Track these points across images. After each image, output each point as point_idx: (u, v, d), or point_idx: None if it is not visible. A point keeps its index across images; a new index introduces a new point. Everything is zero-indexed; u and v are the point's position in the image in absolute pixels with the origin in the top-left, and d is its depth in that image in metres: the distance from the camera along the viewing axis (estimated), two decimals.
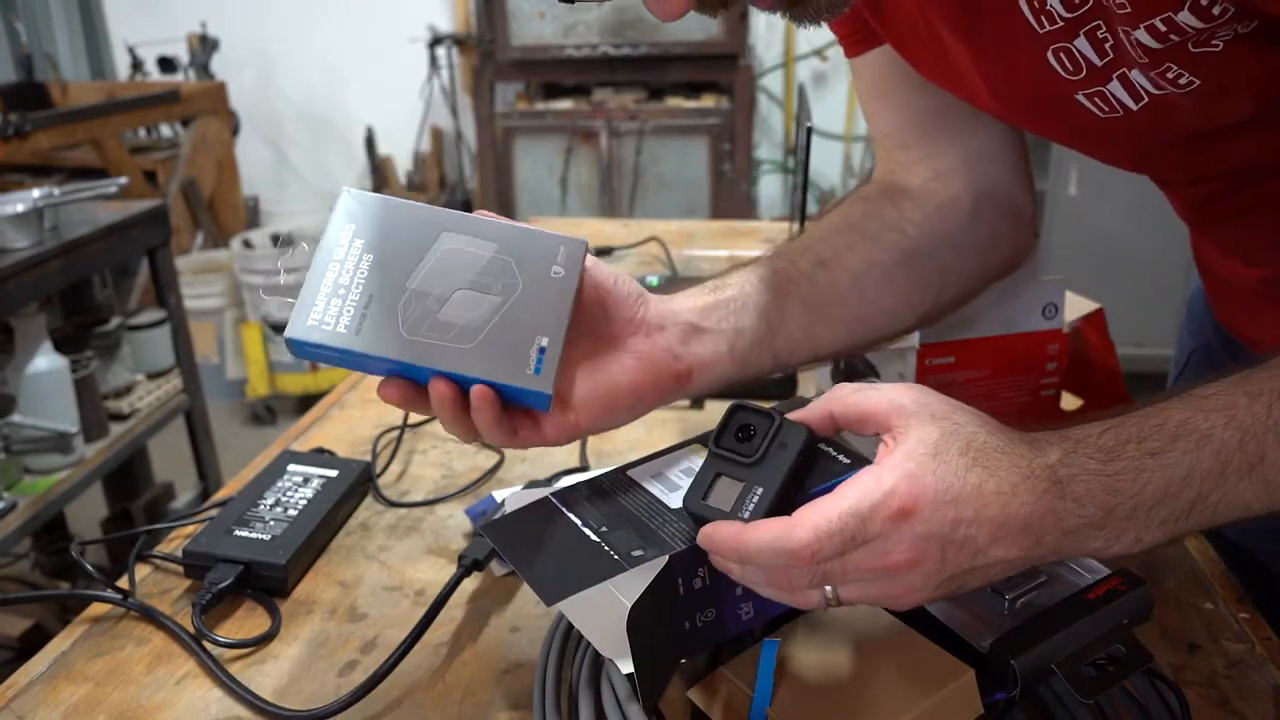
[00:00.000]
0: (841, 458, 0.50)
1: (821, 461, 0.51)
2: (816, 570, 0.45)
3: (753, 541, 0.46)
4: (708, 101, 3.37)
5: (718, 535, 0.47)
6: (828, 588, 0.46)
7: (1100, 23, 0.51)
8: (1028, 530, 0.45)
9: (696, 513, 0.50)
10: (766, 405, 0.51)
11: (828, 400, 0.50)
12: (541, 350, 0.50)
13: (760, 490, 0.49)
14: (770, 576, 0.47)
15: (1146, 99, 0.53)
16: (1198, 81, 0.50)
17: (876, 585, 0.46)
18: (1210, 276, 0.76)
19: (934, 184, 0.69)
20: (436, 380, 0.50)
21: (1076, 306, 0.84)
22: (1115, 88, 0.54)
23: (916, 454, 0.45)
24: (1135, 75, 0.52)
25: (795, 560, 0.45)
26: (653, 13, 0.47)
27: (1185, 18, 0.46)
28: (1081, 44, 0.52)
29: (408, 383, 0.51)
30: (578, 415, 0.54)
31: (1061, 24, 0.52)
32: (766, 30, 3.64)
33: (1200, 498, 0.44)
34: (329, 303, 0.49)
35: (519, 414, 0.53)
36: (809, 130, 0.94)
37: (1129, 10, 0.48)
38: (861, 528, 0.44)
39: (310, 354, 0.51)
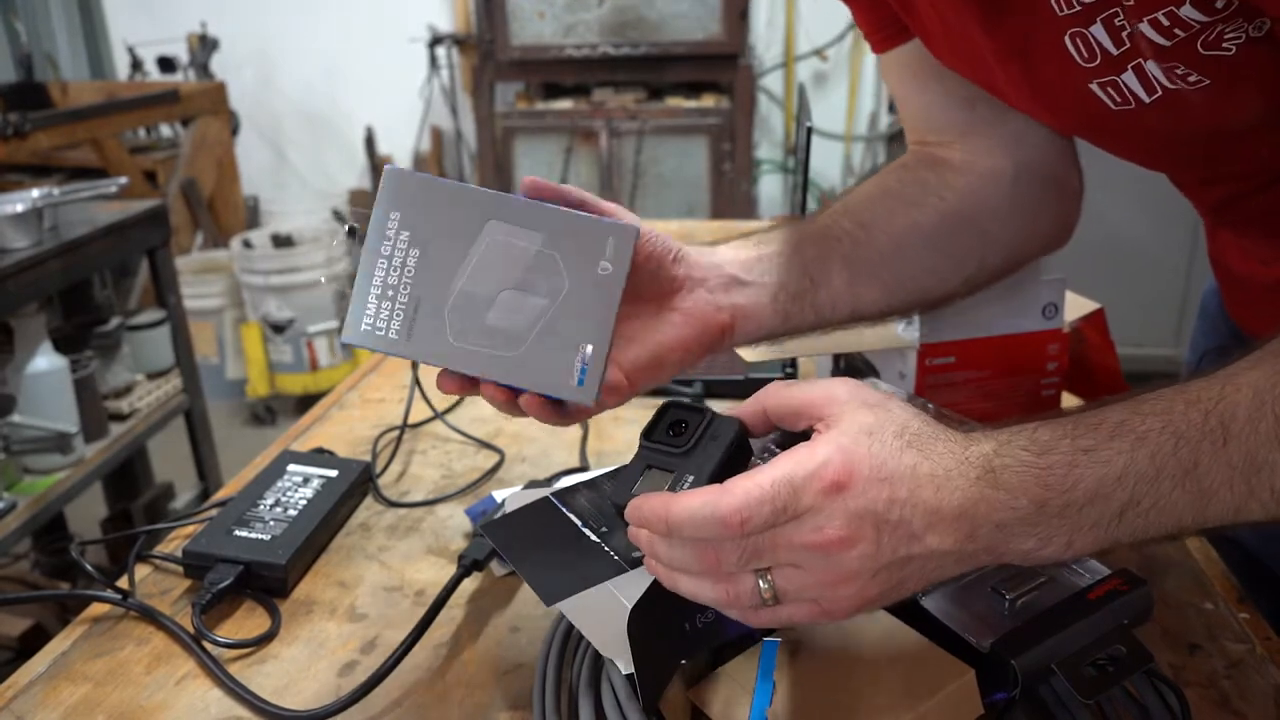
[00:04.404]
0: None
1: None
2: (746, 544, 0.43)
3: (680, 509, 0.44)
4: (708, 101, 3.37)
5: (645, 506, 0.45)
6: (762, 583, 0.44)
7: (1117, 10, 0.51)
8: (961, 518, 0.43)
9: (623, 504, 0.48)
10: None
11: (760, 396, 0.49)
12: (585, 357, 0.50)
13: (690, 479, 0.47)
14: (699, 553, 0.44)
15: (1160, 92, 0.53)
16: (1208, 81, 0.50)
17: (812, 570, 0.43)
18: (1226, 276, 0.76)
19: (974, 157, 0.69)
20: (486, 385, 0.51)
21: (1077, 306, 0.84)
22: (1129, 78, 0.53)
23: (851, 432, 0.44)
24: (1150, 66, 0.52)
25: (724, 528, 0.43)
26: None
27: (1188, 11, 0.46)
28: (1098, 30, 0.52)
29: (463, 375, 0.52)
30: (629, 379, 0.56)
31: (1079, 9, 0.52)
32: (766, 30, 3.64)
33: (1132, 502, 0.43)
34: (379, 306, 0.50)
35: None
36: (809, 130, 0.94)
37: (1133, 2, 0.48)
38: (794, 497, 0.42)
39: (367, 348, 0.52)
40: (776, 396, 0.48)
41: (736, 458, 0.48)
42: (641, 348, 0.56)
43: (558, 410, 0.53)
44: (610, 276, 0.50)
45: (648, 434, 0.50)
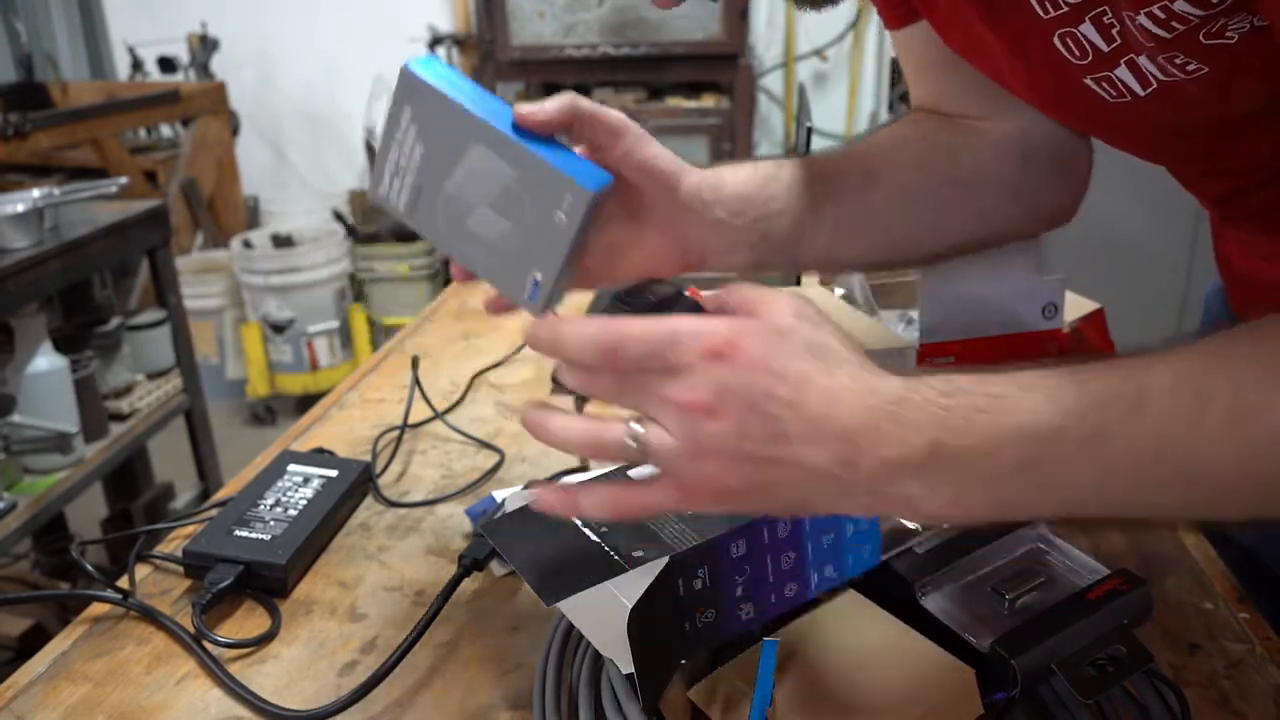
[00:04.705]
0: None
1: None
2: (619, 379, 0.44)
3: (566, 329, 0.45)
4: (708, 101, 3.37)
5: (542, 325, 0.46)
6: (629, 438, 0.44)
7: (1106, 9, 0.50)
8: (844, 440, 0.41)
9: None
10: None
11: (727, 289, 0.48)
12: (536, 282, 0.54)
13: None
14: (577, 378, 0.46)
15: (1154, 85, 0.53)
16: (1206, 69, 0.50)
17: (673, 433, 0.43)
18: (1230, 273, 0.76)
19: (986, 128, 0.69)
20: (456, 268, 0.57)
21: (1076, 306, 0.84)
22: (1123, 73, 0.53)
23: (760, 324, 0.43)
24: (1143, 61, 0.52)
25: (596, 353, 0.44)
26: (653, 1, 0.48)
27: (1183, 6, 0.46)
28: (1087, 29, 0.52)
29: None
30: (592, 277, 0.59)
31: (1066, 9, 0.52)
32: (766, 30, 3.64)
33: (1030, 459, 0.41)
34: (392, 180, 0.56)
35: None
36: (809, 130, 0.94)
37: None
38: (671, 348, 0.42)
39: None
40: (737, 289, 0.47)
41: None
42: (610, 259, 0.59)
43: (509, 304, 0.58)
44: (564, 226, 0.53)
45: (620, 295, 0.52)
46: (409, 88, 0.53)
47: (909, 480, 0.42)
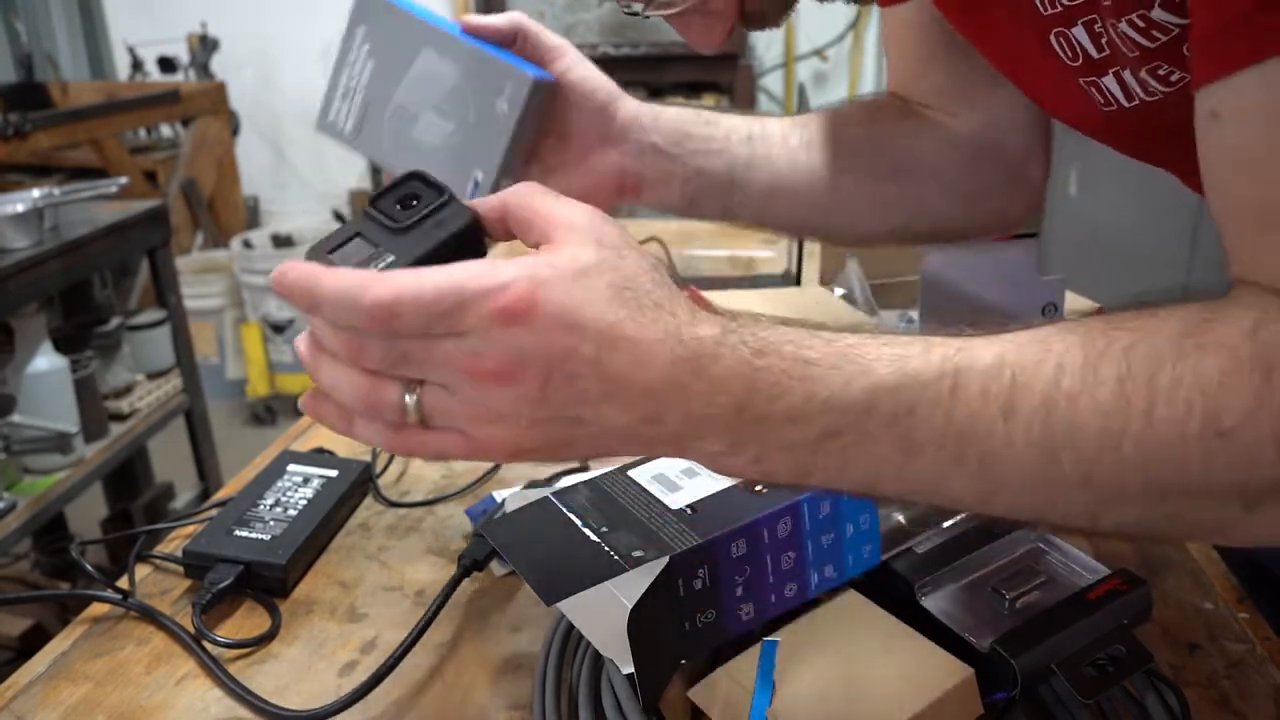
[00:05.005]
0: None
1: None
2: (392, 346, 0.38)
3: (328, 285, 0.37)
4: (708, 101, 3.37)
5: (291, 273, 0.38)
6: (408, 398, 0.39)
7: (1096, 16, 0.51)
8: (649, 397, 0.38)
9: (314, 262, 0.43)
10: None
11: (509, 193, 0.43)
12: (476, 183, 0.56)
13: (390, 259, 0.41)
14: (344, 342, 0.38)
15: (1137, 101, 0.53)
16: (1189, 76, 0.50)
17: (461, 398, 0.38)
18: None
19: (943, 123, 0.70)
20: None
21: (1076, 306, 0.84)
22: (1110, 82, 0.54)
23: (558, 266, 0.38)
24: (1127, 75, 0.52)
25: (368, 320, 0.37)
26: (692, 44, 0.49)
27: (1160, 14, 0.46)
28: (1079, 33, 0.53)
29: None
30: None
31: (1060, 10, 0.52)
32: (767, 30, 3.64)
33: (833, 431, 0.39)
34: (341, 104, 0.59)
35: None
36: None
37: (1109, 3, 0.48)
38: (456, 311, 0.36)
39: None
40: (521, 198, 0.42)
41: (458, 253, 0.41)
42: (550, 183, 0.58)
43: None
44: (505, 116, 0.54)
45: (375, 200, 0.43)
46: (366, 7, 0.57)
47: (713, 437, 0.40)
